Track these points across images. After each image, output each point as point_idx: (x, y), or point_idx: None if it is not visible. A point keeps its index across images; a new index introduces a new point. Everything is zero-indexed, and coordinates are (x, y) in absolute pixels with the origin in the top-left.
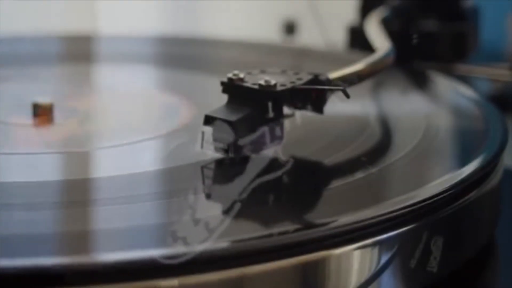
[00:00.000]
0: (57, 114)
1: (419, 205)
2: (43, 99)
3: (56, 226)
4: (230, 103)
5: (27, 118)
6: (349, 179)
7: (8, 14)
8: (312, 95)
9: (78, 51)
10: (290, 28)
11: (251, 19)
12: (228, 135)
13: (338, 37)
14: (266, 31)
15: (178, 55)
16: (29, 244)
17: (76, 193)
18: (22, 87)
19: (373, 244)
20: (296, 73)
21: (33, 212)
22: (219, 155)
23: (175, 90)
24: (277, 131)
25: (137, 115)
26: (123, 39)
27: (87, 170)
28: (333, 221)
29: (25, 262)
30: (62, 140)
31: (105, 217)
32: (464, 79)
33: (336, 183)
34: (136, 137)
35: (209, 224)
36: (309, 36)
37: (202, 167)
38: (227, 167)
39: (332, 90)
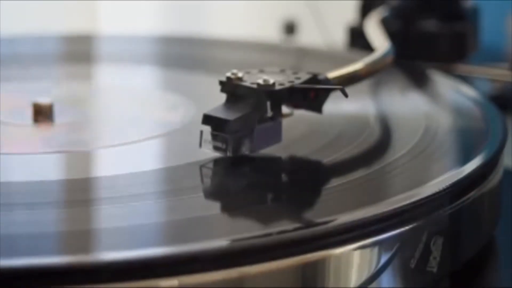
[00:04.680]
0: (57, 114)
1: (418, 204)
2: (43, 99)
3: (56, 226)
4: (229, 102)
5: (27, 118)
6: (349, 178)
7: (8, 14)
8: (310, 94)
9: (78, 51)
10: (290, 28)
11: (251, 19)
12: (227, 134)
13: (338, 37)
14: (266, 31)
15: (178, 55)
16: (29, 243)
17: (76, 192)
18: (22, 87)
19: (373, 244)
20: (295, 73)
21: (33, 212)
22: (218, 154)
23: (175, 90)
24: (276, 130)
25: (137, 115)
26: (123, 39)
27: (87, 170)
28: (333, 220)
29: (25, 261)
30: (62, 140)
31: (105, 217)
32: (464, 79)
33: (335, 182)
34: (136, 136)
35: (208, 224)
36: (309, 36)
37: (201, 166)
38: (226, 166)
39: (330, 90)
